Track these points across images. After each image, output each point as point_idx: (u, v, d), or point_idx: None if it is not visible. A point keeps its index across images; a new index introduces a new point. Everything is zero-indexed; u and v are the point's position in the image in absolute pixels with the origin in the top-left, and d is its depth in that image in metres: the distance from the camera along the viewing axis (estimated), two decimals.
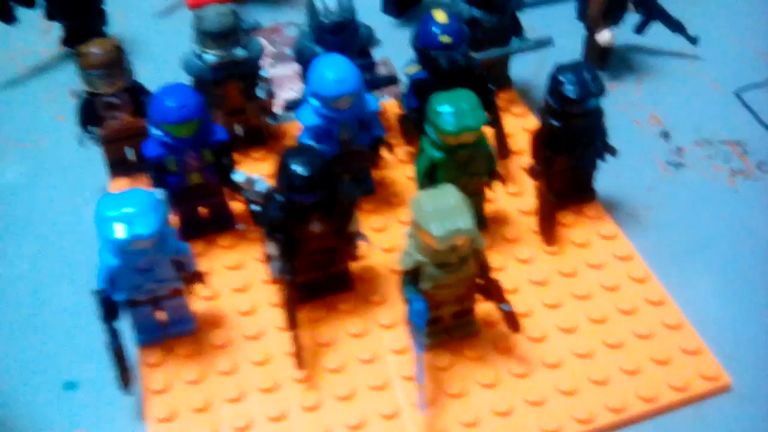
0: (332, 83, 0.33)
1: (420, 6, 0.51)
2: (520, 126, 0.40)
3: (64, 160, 0.43)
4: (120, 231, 0.29)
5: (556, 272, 0.35)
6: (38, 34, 0.49)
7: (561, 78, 0.35)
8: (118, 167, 0.40)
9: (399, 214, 0.38)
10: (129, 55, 0.38)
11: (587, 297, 0.34)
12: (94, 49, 0.38)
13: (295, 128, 0.41)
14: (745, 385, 0.32)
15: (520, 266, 0.35)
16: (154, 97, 0.33)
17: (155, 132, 0.33)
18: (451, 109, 0.34)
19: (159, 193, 0.34)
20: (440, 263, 0.29)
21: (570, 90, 0.35)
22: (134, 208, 0.29)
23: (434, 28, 0.37)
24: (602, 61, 0.44)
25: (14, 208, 0.40)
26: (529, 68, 0.44)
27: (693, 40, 0.46)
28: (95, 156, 0.40)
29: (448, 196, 0.29)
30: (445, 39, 0.35)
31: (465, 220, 0.28)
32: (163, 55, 0.41)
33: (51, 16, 0.49)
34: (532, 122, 0.41)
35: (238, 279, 0.36)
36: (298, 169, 0.31)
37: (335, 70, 0.33)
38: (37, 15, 0.48)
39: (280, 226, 0.33)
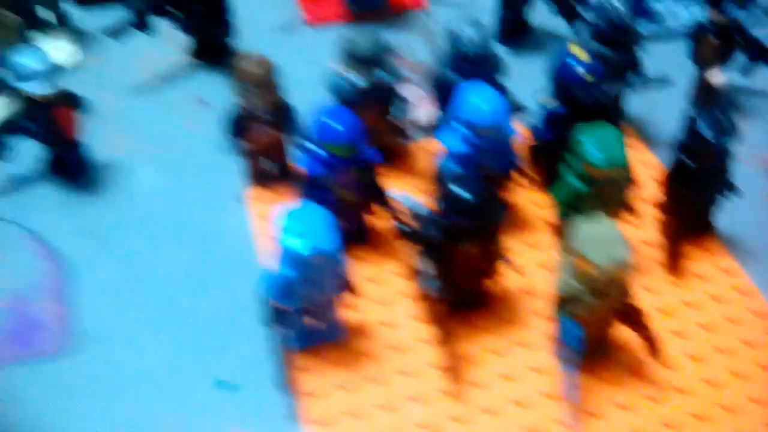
0: (487, 114, 0.36)
1: (530, 36, 0.53)
2: (636, 158, 0.43)
3: (199, 167, 0.45)
4: (305, 246, 0.32)
5: (681, 302, 0.37)
6: (168, 43, 0.51)
7: (698, 119, 0.36)
8: (259, 178, 0.43)
9: (527, 238, 0.40)
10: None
11: (712, 328, 0.36)
12: (251, 65, 0.41)
13: (425, 150, 0.44)
14: None
15: (646, 294, 0.37)
16: (320, 118, 0.36)
17: (316, 150, 0.36)
18: (600, 144, 0.35)
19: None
20: (595, 291, 0.32)
21: (707, 131, 0.36)
22: (316, 225, 0.32)
23: (575, 65, 0.38)
24: (712, 100, 0.46)
25: (157, 213, 0.42)
26: (639, 102, 0.46)
27: None
28: (229, 164, 0.43)
29: (608, 228, 0.31)
30: (589, 78, 0.38)
31: (625, 252, 0.31)
32: (284, 71, 0.44)
33: (182, 28, 0.52)
34: (647, 155, 0.44)
35: (377, 291, 0.38)
36: (462, 193, 0.35)
37: (488, 101, 0.36)
38: (167, 24, 0.51)
39: (436, 246, 0.36)
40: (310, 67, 0.45)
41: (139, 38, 0.49)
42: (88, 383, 0.35)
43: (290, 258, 0.33)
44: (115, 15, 0.51)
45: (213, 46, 0.51)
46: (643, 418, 0.34)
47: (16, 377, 0.35)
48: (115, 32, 0.49)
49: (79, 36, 0.52)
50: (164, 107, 0.49)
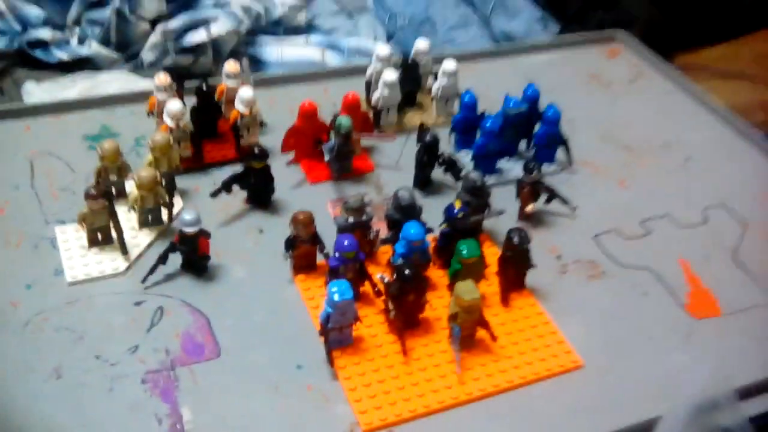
0: (415, 234, 0.72)
1: (432, 186, 0.87)
2: (487, 251, 0.82)
3: (266, 267, 0.76)
4: (337, 296, 0.71)
5: (508, 317, 0.76)
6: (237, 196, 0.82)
7: (512, 234, 0.75)
8: (299, 271, 0.80)
9: (434, 293, 0.74)
10: None
11: (518, 330, 0.76)
12: (300, 215, 0.79)
13: (385, 253, 0.75)
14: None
15: (490, 313, 0.72)
16: (338, 239, 0.74)
17: (337, 255, 0.74)
18: (467, 246, 0.70)
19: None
20: (465, 311, 0.70)
21: (516, 239, 0.75)
22: (342, 288, 0.66)
23: (455, 209, 0.77)
24: (528, 219, 0.87)
25: (247, 293, 0.75)
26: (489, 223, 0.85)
27: (572, 208, 0.88)
28: (285, 267, 0.78)
29: (470, 285, 0.69)
30: (461, 215, 0.77)
31: (477, 295, 0.69)
32: None
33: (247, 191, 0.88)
34: (493, 249, 0.78)
35: (366, 321, 0.71)
36: (405, 272, 0.73)
37: (416, 228, 0.73)
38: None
39: (396, 296, 0.74)
40: (315, 201, 0.83)
41: (223, 196, 0.81)
42: (233, 375, 0.68)
43: (331, 302, 0.65)
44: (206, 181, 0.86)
45: (263, 199, 0.83)
46: (491, 370, 0.68)
47: (195, 373, 0.67)
48: (213, 193, 0.82)
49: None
50: (239, 231, 0.80)
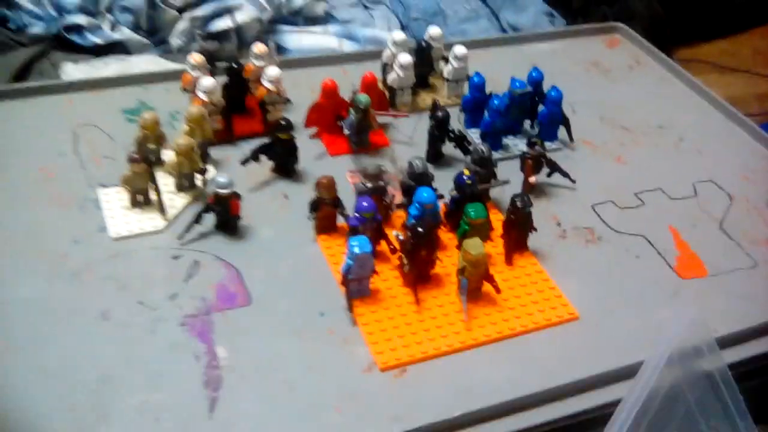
0: (427, 198, 0.80)
1: (444, 159, 0.95)
2: (492, 216, 0.89)
3: (290, 227, 0.83)
4: (357, 249, 0.78)
5: (510, 274, 0.84)
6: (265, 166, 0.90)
7: (516, 198, 0.85)
8: (322, 230, 0.88)
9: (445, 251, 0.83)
10: None
11: (520, 285, 0.83)
12: (324, 179, 0.86)
13: (400, 216, 0.82)
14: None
15: (494, 270, 0.81)
16: (358, 201, 0.82)
17: (357, 215, 0.82)
18: (474, 210, 0.77)
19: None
20: (472, 265, 0.78)
21: (520, 203, 0.83)
22: (362, 242, 0.74)
23: (465, 177, 0.85)
24: (531, 190, 0.94)
25: (276, 248, 0.86)
26: (495, 192, 0.93)
27: (572, 180, 0.96)
28: (309, 225, 0.84)
29: (477, 242, 0.77)
30: (469, 183, 0.85)
31: (483, 251, 0.77)
32: None
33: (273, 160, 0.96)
34: (497, 214, 0.84)
35: (383, 274, 0.77)
36: (418, 231, 0.81)
37: (428, 193, 0.81)
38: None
39: (409, 251, 0.82)
40: (334, 170, 0.86)
41: (251, 164, 0.89)
42: (262, 320, 0.75)
43: (351, 254, 0.72)
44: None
45: (288, 168, 0.91)
46: (495, 319, 0.75)
47: (229, 318, 0.73)
48: (243, 161, 0.90)
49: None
50: (267, 196, 0.87)
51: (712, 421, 0.74)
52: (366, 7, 1.54)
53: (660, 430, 0.70)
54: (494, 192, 0.86)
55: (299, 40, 1.37)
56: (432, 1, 1.55)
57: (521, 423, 0.69)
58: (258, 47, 0.97)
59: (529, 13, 1.50)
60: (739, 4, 1.68)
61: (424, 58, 1.04)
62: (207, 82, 0.91)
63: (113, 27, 1.30)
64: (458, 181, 0.80)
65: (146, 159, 0.83)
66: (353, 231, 0.76)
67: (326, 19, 1.46)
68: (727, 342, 0.75)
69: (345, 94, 0.96)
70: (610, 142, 0.97)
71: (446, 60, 1.04)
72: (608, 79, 1.15)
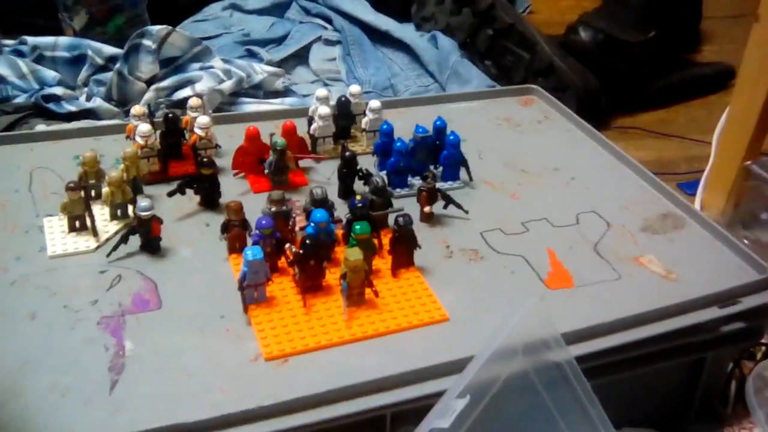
0: (321, 218, 0.94)
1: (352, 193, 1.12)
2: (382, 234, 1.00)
3: (207, 244, 1.01)
4: (250, 256, 0.90)
5: (393, 283, 0.94)
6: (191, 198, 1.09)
7: (398, 218, 0.97)
8: (232, 250, 1.00)
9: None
10: None
11: (391, 294, 0.94)
12: (232, 204, 0.99)
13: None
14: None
15: (377, 280, 0.93)
16: (258, 218, 0.94)
17: (258, 232, 0.94)
18: (361, 228, 0.91)
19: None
20: (351, 269, 0.89)
21: (402, 222, 0.97)
22: (255, 253, 0.88)
23: (357, 202, 0.98)
24: (429, 220, 1.06)
25: (191, 266, 1.00)
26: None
27: (465, 211, 1.07)
28: (221, 245, 1.01)
29: (357, 252, 0.89)
30: (359, 205, 0.97)
31: (360, 258, 0.88)
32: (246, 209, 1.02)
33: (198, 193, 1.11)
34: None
35: (277, 280, 0.95)
36: (310, 247, 0.93)
37: (322, 215, 0.94)
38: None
39: (300, 263, 0.93)
40: (256, 208, 0.98)
41: (178, 197, 1.03)
42: (169, 321, 0.87)
43: (246, 261, 0.81)
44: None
45: (212, 201, 1.07)
46: (373, 318, 0.85)
47: (140, 320, 0.84)
48: (170, 193, 1.05)
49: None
50: (190, 224, 1.02)
51: (566, 411, 0.82)
52: (325, 84, 1.69)
53: (506, 417, 0.79)
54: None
55: (258, 109, 1.52)
56: (385, 77, 1.70)
57: (382, 401, 0.78)
58: (193, 100, 1.11)
59: (473, 87, 1.64)
60: (671, 82, 1.81)
61: (345, 112, 1.17)
62: (143, 127, 1.05)
63: (88, 98, 1.45)
64: (350, 204, 0.92)
65: (82, 187, 0.96)
66: (254, 245, 0.88)
67: (285, 93, 1.61)
68: (578, 336, 0.84)
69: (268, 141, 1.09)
70: (509, 182, 1.08)
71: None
72: (517, 131, 1.27)
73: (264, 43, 1.72)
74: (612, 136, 1.33)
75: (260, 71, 1.56)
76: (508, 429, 0.79)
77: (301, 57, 1.73)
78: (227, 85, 1.47)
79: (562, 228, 1.04)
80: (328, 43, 1.75)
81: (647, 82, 1.82)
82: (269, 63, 1.61)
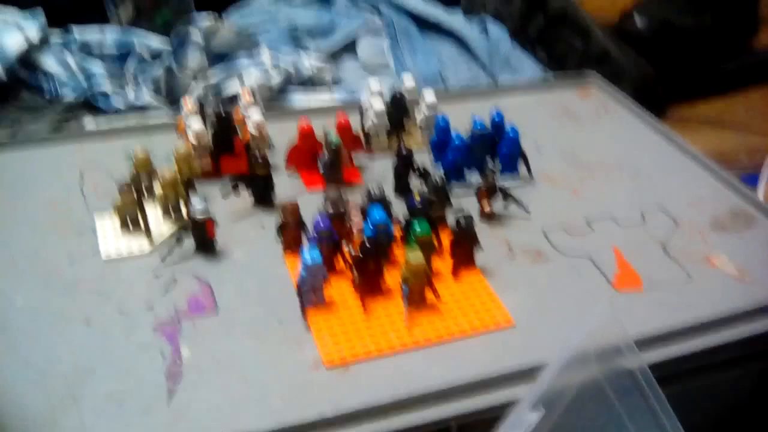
0: (380, 219, 0.91)
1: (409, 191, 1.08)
2: (442, 233, 0.97)
3: (260, 247, 0.96)
4: (309, 260, 0.87)
5: (455, 287, 0.91)
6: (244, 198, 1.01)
7: (459, 218, 0.92)
8: (288, 247, 0.98)
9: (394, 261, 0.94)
10: None
11: (462, 295, 0.90)
12: (288, 205, 0.97)
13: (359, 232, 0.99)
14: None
15: (439, 282, 0.90)
16: (316, 221, 0.91)
17: (315, 234, 0.91)
18: (420, 226, 0.87)
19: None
20: (413, 273, 0.86)
21: (463, 223, 0.93)
22: (313, 255, 0.85)
23: (414, 201, 0.95)
24: (490, 219, 1.02)
25: (245, 267, 0.97)
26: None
27: (527, 210, 1.03)
28: (277, 245, 0.98)
29: (418, 253, 0.86)
30: (419, 205, 0.93)
31: (422, 261, 0.85)
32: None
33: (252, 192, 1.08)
34: (447, 232, 0.94)
35: (335, 282, 0.91)
36: (369, 245, 0.90)
37: (380, 214, 0.91)
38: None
39: (359, 266, 0.90)
40: (312, 205, 0.94)
41: (235, 200, 1.00)
42: (226, 327, 0.84)
43: (304, 266, 0.82)
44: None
45: (266, 200, 1.03)
46: (435, 323, 0.82)
47: (197, 325, 0.82)
48: (224, 195, 1.03)
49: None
50: (245, 226, 0.98)
51: (638, 420, 0.79)
52: (373, 76, 1.66)
53: (578, 428, 0.75)
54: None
55: (307, 103, 1.49)
56: (434, 68, 1.67)
57: (448, 411, 0.75)
58: (245, 96, 1.09)
59: (525, 76, 1.60)
60: (730, 68, 1.75)
61: (398, 105, 1.14)
62: (195, 125, 1.02)
63: (136, 93, 1.44)
64: (409, 204, 0.89)
65: (135, 189, 0.94)
66: (311, 247, 0.85)
67: (334, 86, 1.58)
68: (648, 342, 0.80)
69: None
70: (570, 177, 1.05)
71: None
72: (577, 124, 1.23)
73: (312, 35, 1.69)
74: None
75: (308, 65, 1.53)
76: None
77: (349, 49, 1.70)
78: (276, 79, 1.44)
79: (627, 227, 1.00)
80: (376, 33, 1.71)
81: (704, 69, 1.75)
82: (317, 55, 1.57)
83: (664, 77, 1.64)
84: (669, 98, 1.69)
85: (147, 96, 1.42)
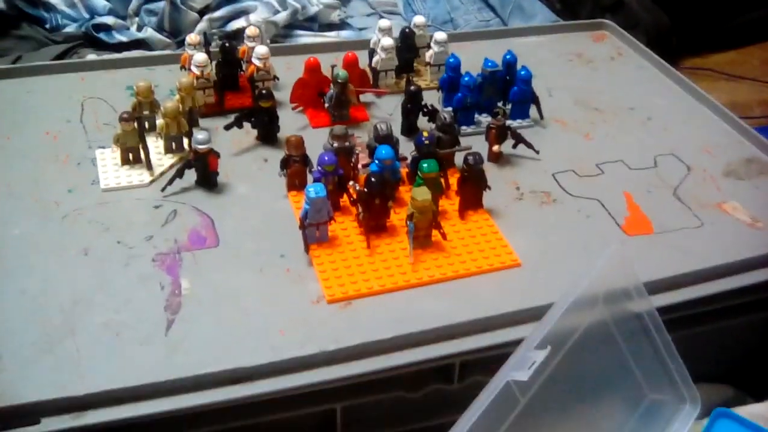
0: (387, 155, 0.88)
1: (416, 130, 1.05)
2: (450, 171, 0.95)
3: (265, 182, 0.92)
4: (313, 193, 0.85)
5: (462, 226, 0.89)
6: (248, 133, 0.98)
7: (468, 156, 0.90)
8: (291, 187, 0.96)
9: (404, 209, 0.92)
10: None
11: (470, 234, 0.88)
12: (293, 138, 0.94)
13: (365, 170, 0.97)
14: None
15: (446, 222, 0.87)
16: (321, 157, 0.89)
17: (320, 168, 0.89)
18: (428, 165, 0.84)
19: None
20: (419, 210, 0.84)
21: (471, 161, 0.91)
22: (318, 189, 0.83)
23: (423, 138, 0.93)
24: (498, 160, 1.00)
25: (247, 204, 0.95)
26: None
27: (536, 151, 1.01)
28: (281, 181, 0.97)
29: (425, 191, 0.84)
30: (427, 143, 0.91)
31: (429, 198, 0.83)
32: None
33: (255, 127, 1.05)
34: (454, 170, 0.92)
35: (339, 219, 0.87)
36: (376, 182, 0.88)
37: (388, 151, 0.88)
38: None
39: (365, 201, 0.88)
40: (316, 144, 0.94)
41: (235, 130, 0.99)
42: (226, 259, 0.82)
43: (308, 199, 0.80)
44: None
45: (270, 136, 1.01)
46: (440, 262, 0.81)
47: (197, 257, 0.81)
48: (227, 126, 0.99)
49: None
50: (248, 159, 0.96)
51: (644, 364, 0.77)
52: (381, 16, 1.62)
53: (583, 369, 0.74)
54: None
55: (313, 41, 1.46)
56: (444, 11, 1.63)
57: (450, 349, 0.74)
58: (250, 30, 1.06)
59: (537, 22, 1.56)
60: (746, 20, 1.71)
61: (409, 44, 1.11)
62: (199, 57, 1.00)
63: (139, 28, 1.40)
64: (417, 141, 0.86)
65: (136, 118, 0.92)
66: (316, 182, 0.83)
67: (341, 26, 1.55)
68: (658, 286, 0.79)
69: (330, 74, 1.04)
70: (581, 121, 1.03)
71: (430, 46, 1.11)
72: (589, 68, 1.20)
73: None
74: None
75: (315, 2, 1.50)
76: (585, 381, 0.74)
77: None
78: (282, 16, 1.41)
79: (639, 171, 0.98)
80: None
81: (719, 21, 1.71)
82: None
83: (679, 27, 1.60)
84: (683, 49, 1.65)
85: (150, 31, 1.38)
